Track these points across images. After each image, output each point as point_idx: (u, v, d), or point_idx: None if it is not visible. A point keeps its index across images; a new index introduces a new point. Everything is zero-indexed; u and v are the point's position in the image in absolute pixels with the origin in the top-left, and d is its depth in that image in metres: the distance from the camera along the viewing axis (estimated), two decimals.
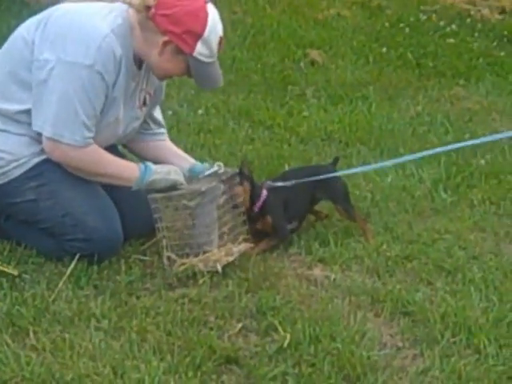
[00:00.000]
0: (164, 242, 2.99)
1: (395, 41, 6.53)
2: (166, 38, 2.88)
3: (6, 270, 2.84)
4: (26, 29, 2.94)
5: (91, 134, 2.89)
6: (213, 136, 4.40)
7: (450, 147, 3.81)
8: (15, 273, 2.84)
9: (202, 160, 3.41)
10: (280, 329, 2.64)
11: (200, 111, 4.75)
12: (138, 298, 2.80)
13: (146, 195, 3.00)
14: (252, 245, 3.12)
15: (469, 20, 7.11)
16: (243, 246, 3.05)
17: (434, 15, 7.12)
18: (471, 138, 4.67)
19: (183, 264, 2.94)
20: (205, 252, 2.96)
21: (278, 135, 4.55)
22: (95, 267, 2.93)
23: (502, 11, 7.33)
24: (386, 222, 3.53)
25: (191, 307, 2.75)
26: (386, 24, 6.87)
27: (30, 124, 2.89)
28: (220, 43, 2.94)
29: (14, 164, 2.94)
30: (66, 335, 2.54)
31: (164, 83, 3.25)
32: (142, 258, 3.06)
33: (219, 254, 2.95)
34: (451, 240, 3.42)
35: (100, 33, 2.83)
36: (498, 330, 2.74)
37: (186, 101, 4.88)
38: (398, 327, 2.76)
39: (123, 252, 3.06)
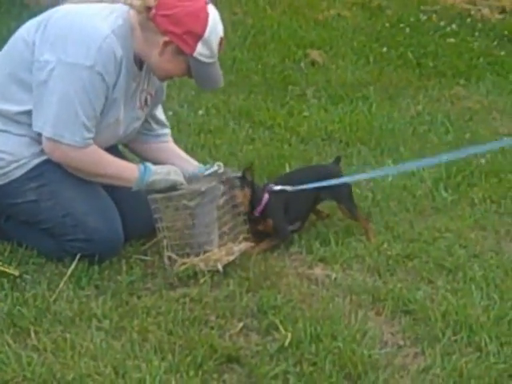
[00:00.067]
0: (165, 241, 2.99)
1: (395, 41, 6.52)
2: (166, 39, 2.88)
3: (6, 270, 2.84)
4: (27, 30, 2.94)
5: (91, 135, 2.89)
6: (213, 136, 4.40)
7: (452, 155, 3.80)
8: (16, 273, 2.84)
9: (202, 160, 3.41)
10: (281, 328, 2.65)
11: (200, 112, 4.75)
12: (139, 297, 2.81)
13: (146, 196, 3.00)
14: (252, 244, 3.12)
15: (469, 20, 7.10)
16: (244, 245, 3.05)
17: (434, 15, 7.11)
18: (472, 137, 4.68)
19: (184, 264, 2.94)
20: (205, 251, 2.96)
21: (278, 135, 4.54)
22: (96, 267, 2.93)
23: (503, 11, 7.33)
24: (386, 221, 3.53)
25: (192, 307, 2.75)
26: (387, 24, 6.86)
27: (30, 125, 2.90)
28: (220, 44, 2.94)
29: (15, 165, 2.94)
30: (67, 335, 2.54)
31: (165, 84, 3.25)
32: (142, 257, 3.07)
33: (220, 254, 2.95)
34: (452, 238, 3.42)
35: (100, 34, 2.83)
36: (499, 328, 2.74)
37: (186, 101, 4.88)
38: (399, 326, 2.77)
39: (124, 252, 3.06)
